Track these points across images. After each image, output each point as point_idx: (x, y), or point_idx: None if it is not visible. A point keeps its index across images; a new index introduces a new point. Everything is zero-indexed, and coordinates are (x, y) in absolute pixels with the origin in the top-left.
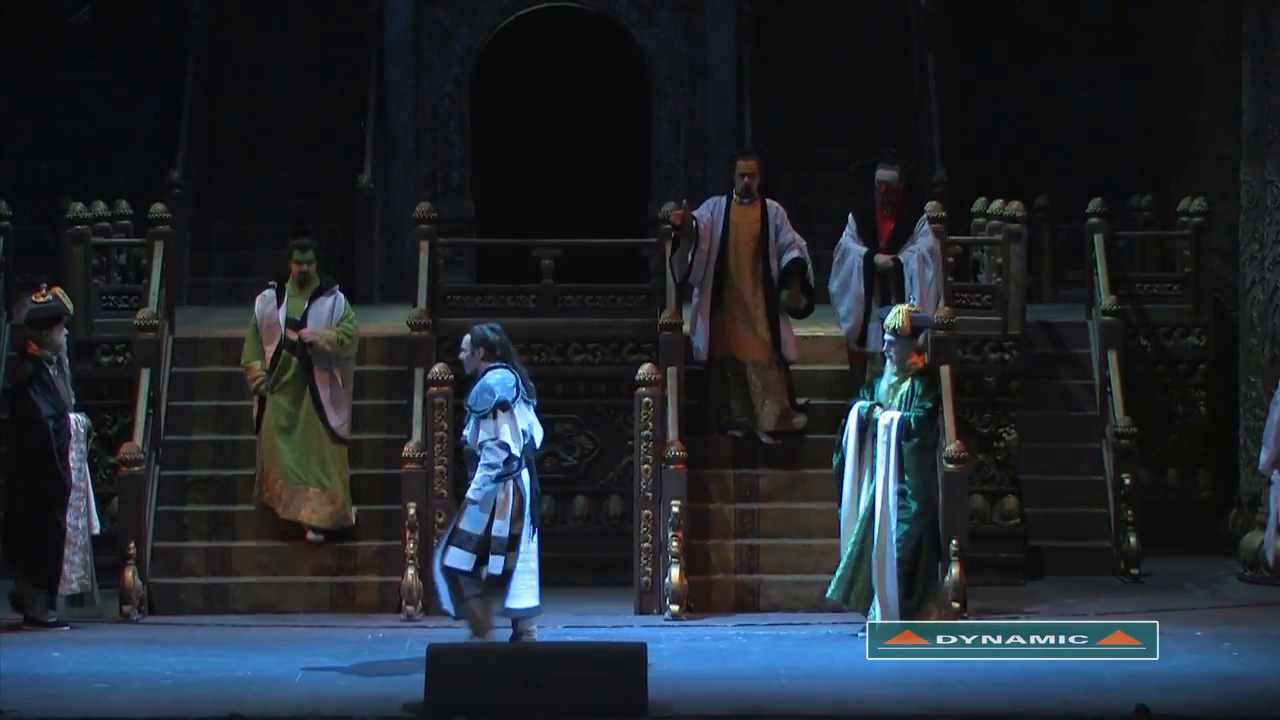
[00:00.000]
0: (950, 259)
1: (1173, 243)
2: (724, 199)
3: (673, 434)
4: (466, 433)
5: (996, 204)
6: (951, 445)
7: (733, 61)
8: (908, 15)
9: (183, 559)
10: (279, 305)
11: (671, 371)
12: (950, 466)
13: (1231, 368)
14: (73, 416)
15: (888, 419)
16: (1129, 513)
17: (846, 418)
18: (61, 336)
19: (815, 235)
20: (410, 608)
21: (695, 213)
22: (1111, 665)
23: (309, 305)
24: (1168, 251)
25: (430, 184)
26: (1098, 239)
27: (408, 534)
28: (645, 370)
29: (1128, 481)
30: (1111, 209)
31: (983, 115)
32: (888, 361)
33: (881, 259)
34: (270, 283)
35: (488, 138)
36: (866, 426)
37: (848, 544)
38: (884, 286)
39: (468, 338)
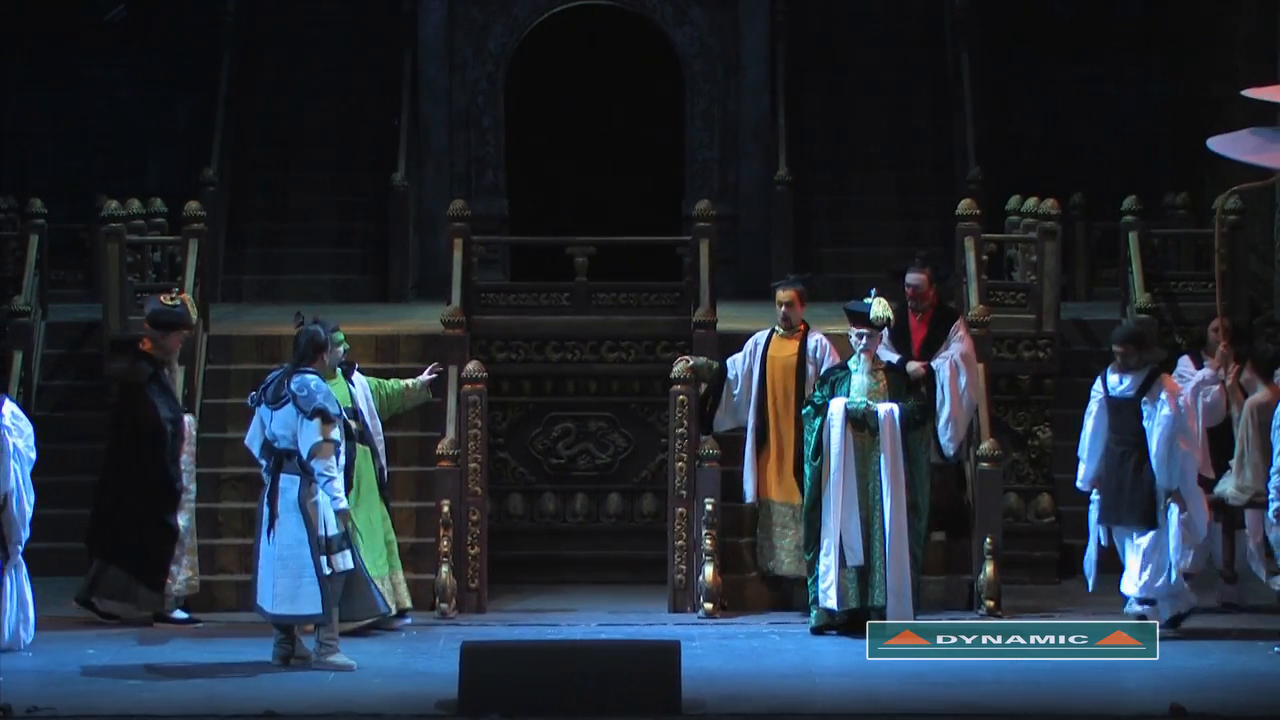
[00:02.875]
0: (985, 257)
1: (1207, 240)
2: (767, 332)
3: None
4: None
5: (1031, 202)
6: (986, 443)
7: (766, 59)
8: (942, 13)
9: (217, 556)
10: None
11: None
12: (984, 465)
13: None
14: (187, 419)
15: (886, 409)
16: None
17: (824, 417)
18: (177, 344)
19: (851, 237)
20: (444, 605)
21: (734, 359)
22: (1146, 664)
23: (350, 390)
24: (1202, 249)
25: (464, 182)
26: (1132, 237)
27: (441, 531)
28: (679, 368)
29: None
30: (1146, 207)
31: (1017, 113)
32: (857, 359)
33: (913, 367)
34: None
35: (521, 135)
36: (857, 421)
37: (854, 549)
38: (916, 394)
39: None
